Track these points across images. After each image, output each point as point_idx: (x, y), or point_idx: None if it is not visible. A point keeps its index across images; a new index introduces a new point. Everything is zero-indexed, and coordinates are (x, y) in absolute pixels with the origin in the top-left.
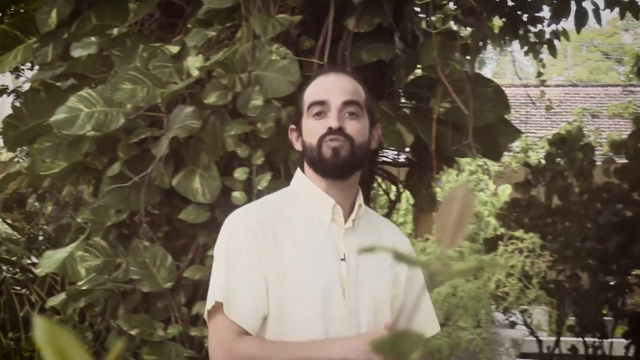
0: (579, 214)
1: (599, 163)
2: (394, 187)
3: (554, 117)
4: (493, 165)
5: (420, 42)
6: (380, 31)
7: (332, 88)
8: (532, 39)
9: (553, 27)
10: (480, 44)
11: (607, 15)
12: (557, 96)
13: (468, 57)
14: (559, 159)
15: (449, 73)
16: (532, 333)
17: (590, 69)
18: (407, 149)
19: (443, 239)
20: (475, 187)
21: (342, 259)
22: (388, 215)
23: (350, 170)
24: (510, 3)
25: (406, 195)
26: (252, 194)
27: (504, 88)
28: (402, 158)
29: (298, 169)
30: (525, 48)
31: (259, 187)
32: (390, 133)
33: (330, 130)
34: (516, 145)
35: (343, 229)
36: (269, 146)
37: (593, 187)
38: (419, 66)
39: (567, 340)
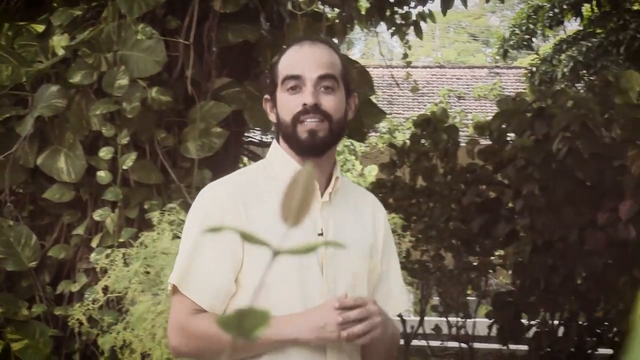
0: (443, 194)
1: (463, 144)
2: None
3: (421, 98)
4: (360, 146)
5: (286, 23)
6: (247, 12)
7: (307, 61)
8: (399, 20)
9: (420, 8)
10: (347, 25)
11: None
12: (425, 77)
13: (335, 39)
14: (423, 140)
15: None
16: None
17: (457, 50)
18: (273, 129)
19: (288, 219)
20: (342, 167)
21: (319, 234)
22: None
23: (327, 147)
24: None
25: None
26: (117, 173)
27: (371, 69)
28: (268, 138)
29: (274, 140)
30: (392, 29)
31: (124, 167)
32: (255, 113)
33: (305, 108)
34: (382, 126)
35: (320, 202)
36: (135, 126)
37: (457, 168)
38: (284, 47)
39: (431, 320)
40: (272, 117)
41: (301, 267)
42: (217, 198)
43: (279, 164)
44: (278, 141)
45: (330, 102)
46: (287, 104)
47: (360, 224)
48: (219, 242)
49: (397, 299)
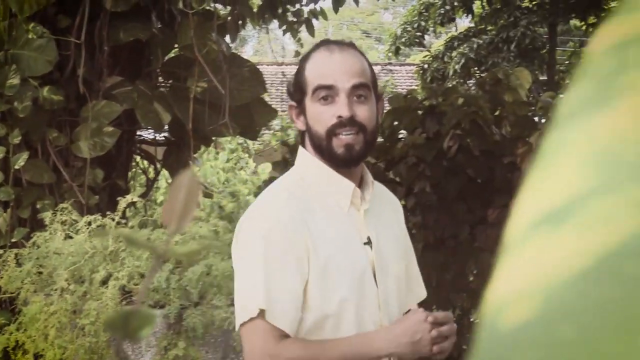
0: None
1: None
2: (154, 166)
3: None
4: (254, 144)
5: (178, 21)
6: (138, 10)
7: (339, 70)
8: (291, 17)
9: (312, 6)
10: (239, 22)
11: None
12: None
13: (227, 37)
14: None
15: (206, 53)
16: None
17: None
18: (165, 128)
19: (170, 223)
20: (236, 165)
21: (365, 243)
22: (146, 194)
23: (363, 159)
24: None
25: (165, 174)
26: (9, 173)
27: (265, 66)
28: (160, 137)
29: (300, 148)
30: (284, 27)
31: (16, 166)
32: (147, 112)
33: (341, 121)
34: (276, 123)
35: (362, 211)
36: (26, 125)
37: None
38: (176, 46)
39: None
40: (299, 125)
41: (361, 280)
42: (280, 217)
43: (318, 176)
44: (304, 146)
45: (364, 113)
46: (320, 116)
47: (394, 226)
48: (291, 264)
49: (422, 288)
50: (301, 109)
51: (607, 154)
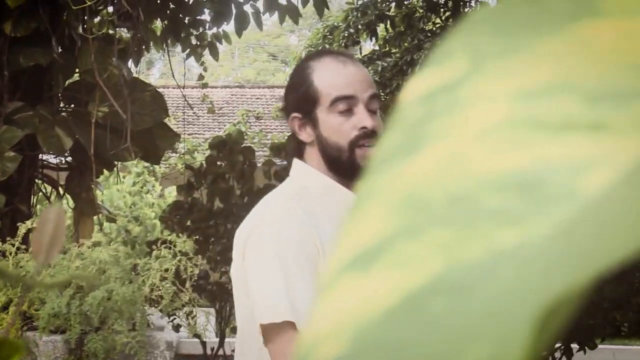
0: (240, 216)
1: (260, 165)
2: (56, 191)
3: (221, 118)
4: (160, 167)
5: (78, 46)
6: (38, 35)
7: (356, 80)
8: (194, 41)
9: (215, 29)
10: (143, 47)
11: (274, 16)
12: (224, 97)
13: (130, 61)
14: (220, 162)
15: (107, 77)
16: (197, 335)
17: (257, 70)
18: (67, 153)
19: (39, 256)
20: (142, 189)
21: None
22: None
23: None
24: (171, 6)
25: (68, 198)
26: None
27: (171, 89)
28: (62, 162)
29: (296, 160)
30: (188, 51)
31: None
32: (48, 137)
33: (365, 132)
34: (182, 146)
35: None
36: None
37: (254, 189)
38: (77, 70)
39: (231, 341)
40: (304, 136)
41: None
42: (291, 224)
43: (317, 186)
44: (300, 158)
45: (378, 124)
46: (340, 127)
47: None
48: (307, 267)
49: None
50: (308, 120)
51: (412, 199)
